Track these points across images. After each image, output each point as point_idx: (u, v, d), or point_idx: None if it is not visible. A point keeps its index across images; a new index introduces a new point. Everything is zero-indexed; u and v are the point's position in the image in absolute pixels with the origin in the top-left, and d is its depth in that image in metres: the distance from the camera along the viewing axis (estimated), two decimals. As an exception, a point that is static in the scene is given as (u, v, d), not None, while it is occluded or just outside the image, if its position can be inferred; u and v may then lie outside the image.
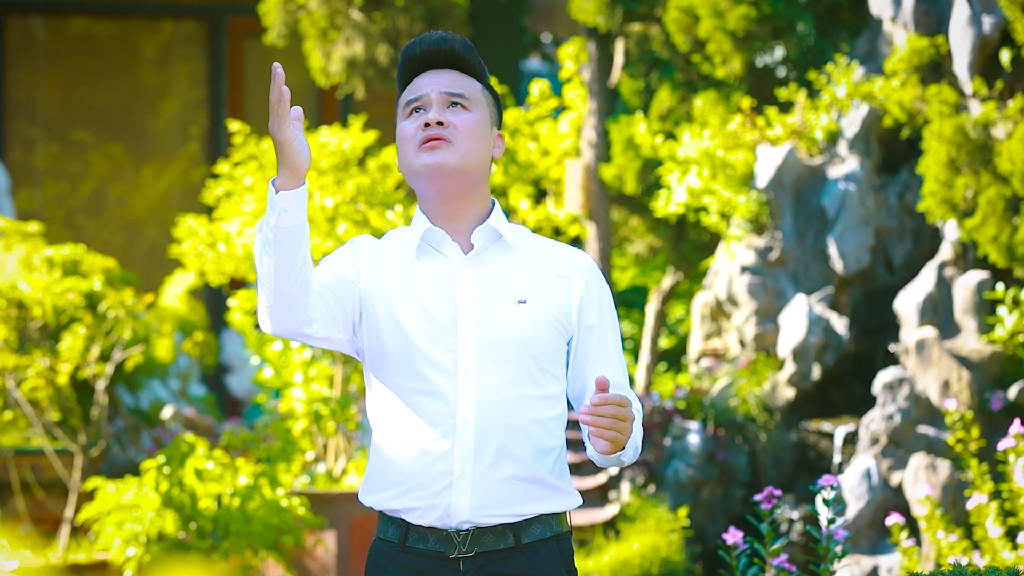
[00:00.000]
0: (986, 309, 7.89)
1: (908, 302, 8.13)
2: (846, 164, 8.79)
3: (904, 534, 6.16)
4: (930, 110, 8.04)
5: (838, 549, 4.65)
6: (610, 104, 10.10)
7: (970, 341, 7.88)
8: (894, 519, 6.14)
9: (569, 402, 3.44)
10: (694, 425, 8.54)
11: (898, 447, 7.87)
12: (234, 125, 8.24)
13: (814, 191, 8.84)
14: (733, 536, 4.65)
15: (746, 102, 9.10)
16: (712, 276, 9.27)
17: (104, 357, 8.28)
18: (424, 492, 3.26)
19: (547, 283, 3.36)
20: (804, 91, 9.01)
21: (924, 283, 8.14)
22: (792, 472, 8.46)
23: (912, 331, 8.02)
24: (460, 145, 3.31)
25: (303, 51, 10.45)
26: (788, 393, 8.56)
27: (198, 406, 10.32)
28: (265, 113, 12.67)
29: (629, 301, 12.73)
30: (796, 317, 8.53)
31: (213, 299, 12.39)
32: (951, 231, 8.10)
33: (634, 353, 11.64)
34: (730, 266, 9.00)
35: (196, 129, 13.28)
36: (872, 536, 7.85)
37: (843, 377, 8.59)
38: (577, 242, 10.44)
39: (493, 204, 3.42)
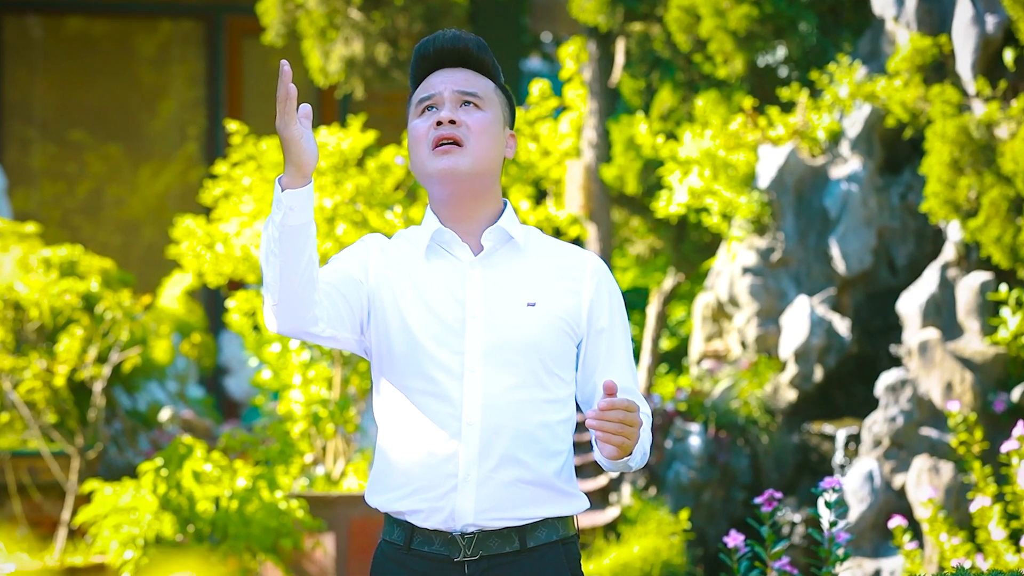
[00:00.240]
0: (989, 310, 7.87)
1: (911, 303, 8.11)
2: (848, 164, 8.77)
3: (907, 537, 6.14)
4: (933, 110, 8.02)
5: (840, 552, 4.64)
6: (611, 104, 10.09)
7: (973, 343, 7.86)
8: (897, 522, 6.12)
9: (579, 405, 3.42)
10: (695, 427, 8.52)
11: (901, 449, 7.84)
12: (232, 125, 8.23)
13: (816, 192, 8.82)
14: (734, 539, 4.64)
15: (748, 102, 9.08)
16: (713, 277, 9.25)
17: (101, 359, 8.27)
18: (429, 495, 3.25)
19: (557, 286, 3.35)
20: (806, 91, 8.99)
21: (927, 284, 8.11)
22: (794, 474, 8.44)
23: (915, 332, 8.00)
24: (472, 146, 3.30)
25: (302, 51, 10.43)
26: (790, 395, 8.54)
27: (196, 408, 10.32)
28: (263, 113, 12.68)
29: (630, 302, 12.71)
30: (798, 318, 8.51)
31: (211, 300, 12.38)
32: (954, 232, 8.08)
33: (635, 355, 11.61)
34: (731, 267, 8.98)
35: (194, 129, 13.27)
36: (874, 539, 7.83)
37: (845, 379, 8.57)
38: (577, 243, 10.41)
39: (505, 205, 3.41)
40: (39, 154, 13.16)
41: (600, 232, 9.98)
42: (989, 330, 7.84)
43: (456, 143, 3.30)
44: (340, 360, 7.84)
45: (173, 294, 10.99)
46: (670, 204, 9.13)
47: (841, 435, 8.15)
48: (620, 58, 9.99)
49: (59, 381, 8.08)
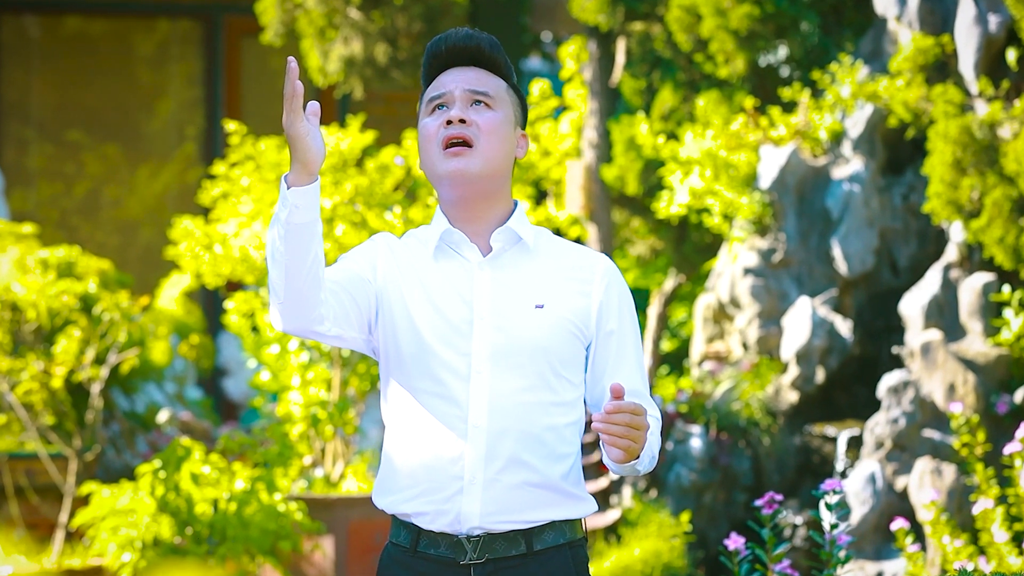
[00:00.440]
0: (992, 311, 7.86)
1: (913, 304, 8.10)
2: (850, 165, 8.76)
3: (909, 539, 6.13)
4: (935, 110, 8.02)
5: (841, 554, 4.64)
6: (611, 104, 10.08)
7: (976, 344, 7.86)
8: (899, 524, 6.11)
9: (588, 408, 3.40)
10: (696, 429, 8.51)
11: (903, 451, 7.83)
12: (231, 125, 8.22)
13: (818, 192, 8.81)
14: (735, 541, 4.63)
15: (749, 102, 9.07)
16: (715, 278, 9.24)
17: (99, 360, 8.27)
18: (434, 497, 3.24)
19: (566, 288, 3.33)
20: (808, 91, 8.98)
21: (929, 285, 8.11)
22: (796, 477, 8.43)
23: (917, 334, 7.99)
24: (482, 146, 3.29)
25: (300, 50, 10.43)
26: (791, 396, 8.52)
27: (194, 410, 10.32)
28: (262, 113, 12.69)
29: (630, 303, 12.69)
30: (800, 320, 8.49)
31: (209, 301, 12.38)
32: (956, 233, 8.07)
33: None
34: (733, 268, 8.96)
35: (192, 129, 13.27)
36: (877, 541, 7.81)
37: (847, 380, 8.55)
38: (578, 243, 10.39)
39: (515, 205, 3.39)
40: (36, 154, 13.16)
41: (600, 233, 9.98)
42: (992, 331, 7.83)
43: (466, 143, 3.29)
44: (339, 362, 7.84)
45: (171, 295, 11.00)
46: (671, 205, 9.12)
47: (843, 437, 8.13)
48: (621, 58, 9.99)
49: (56, 383, 8.08)
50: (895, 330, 8.44)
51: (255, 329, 8.17)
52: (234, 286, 10.36)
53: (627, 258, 11.32)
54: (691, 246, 9.88)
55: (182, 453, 6.72)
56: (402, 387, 3.28)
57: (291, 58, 3.08)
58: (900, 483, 7.80)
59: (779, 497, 4.60)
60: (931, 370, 7.80)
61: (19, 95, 13.10)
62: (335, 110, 12.56)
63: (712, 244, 9.79)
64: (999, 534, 6.26)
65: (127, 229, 13.23)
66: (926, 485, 7.55)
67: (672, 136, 9.56)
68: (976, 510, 6.34)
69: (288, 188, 3.09)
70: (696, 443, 8.47)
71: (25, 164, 13.10)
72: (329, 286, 3.21)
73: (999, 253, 7.68)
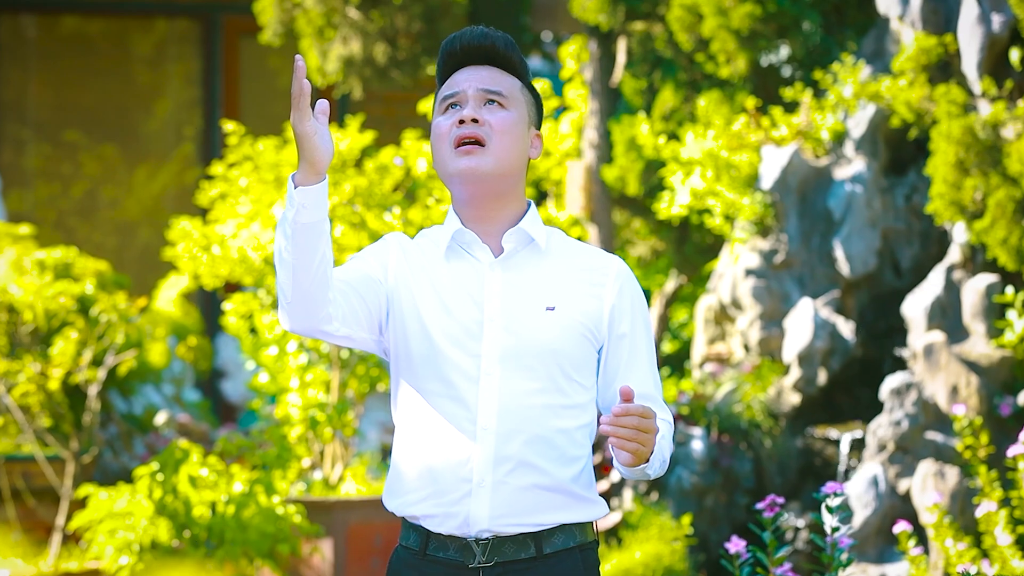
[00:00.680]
0: (995, 313, 7.85)
1: (916, 306, 8.08)
2: (852, 165, 8.74)
3: (912, 542, 6.12)
4: (938, 110, 8.02)
5: (843, 557, 4.63)
6: (612, 104, 10.09)
7: (979, 346, 7.84)
8: (901, 527, 6.10)
9: (600, 411, 3.39)
10: (697, 431, 8.51)
11: (906, 454, 7.82)
12: (229, 125, 8.20)
13: (820, 193, 8.80)
14: (736, 544, 4.63)
15: (750, 102, 9.06)
16: (716, 279, 9.24)
17: (96, 362, 8.28)
18: (443, 499, 3.23)
19: (578, 290, 3.32)
20: (810, 91, 8.97)
21: (932, 287, 8.09)
22: (798, 479, 8.42)
23: (920, 335, 7.98)
24: (495, 146, 3.28)
25: (299, 50, 10.42)
26: (793, 398, 8.51)
27: (192, 412, 10.32)
28: (260, 113, 12.69)
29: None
30: (802, 321, 8.48)
31: (207, 303, 12.38)
32: (959, 233, 8.05)
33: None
34: (734, 269, 8.94)
35: (190, 130, 13.27)
36: (879, 544, 7.80)
37: (849, 382, 8.53)
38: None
39: (528, 206, 3.38)
40: (33, 155, 13.17)
41: (601, 234, 9.98)
42: (995, 333, 7.81)
43: (478, 143, 3.28)
44: (338, 363, 7.83)
45: (169, 296, 11.01)
46: (672, 205, 9.12)
47: (845, 439, 8.12)
48: (621, 57, 10.00)
49: (53, 384, 8.09)
50: (898, 332, 8.43)
51: (253, 331, 8.16)
52: (232, 287, 10.33)
53: (628, 259, 11.29)
54: (692, 247, 9.88)
55: (180, 455, 6.73)
56: (412, 389, 3.28)
57: (298, 56, 3.07)
58: (903, 486, 7.78)
59: (781, 500, 4.59)
60: (934, 372, 7.79)
61: (16, 95, 13.10)
62: (334, 110, 12.55)
63: (713, 245, 9.78)
64: (1002, 537, 6.25)
65: (125, 230, 13.23)
66: (929, 488, 7.53)
67: (673, 136, 9.57)
68: (979, 513, 6.34)
69: (295, 187, 3.09)
70: (697, 445, 8.46)
71: (22, 164, 13.10)
72: (338, 286, 3.21)
73: (1002, 254, 7.66)
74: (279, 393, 7.88)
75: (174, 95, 13.34)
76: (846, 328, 8.49)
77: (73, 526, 7.00)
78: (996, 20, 8.03)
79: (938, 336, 7.83)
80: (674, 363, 11.78)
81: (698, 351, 9.33)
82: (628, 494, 8.50)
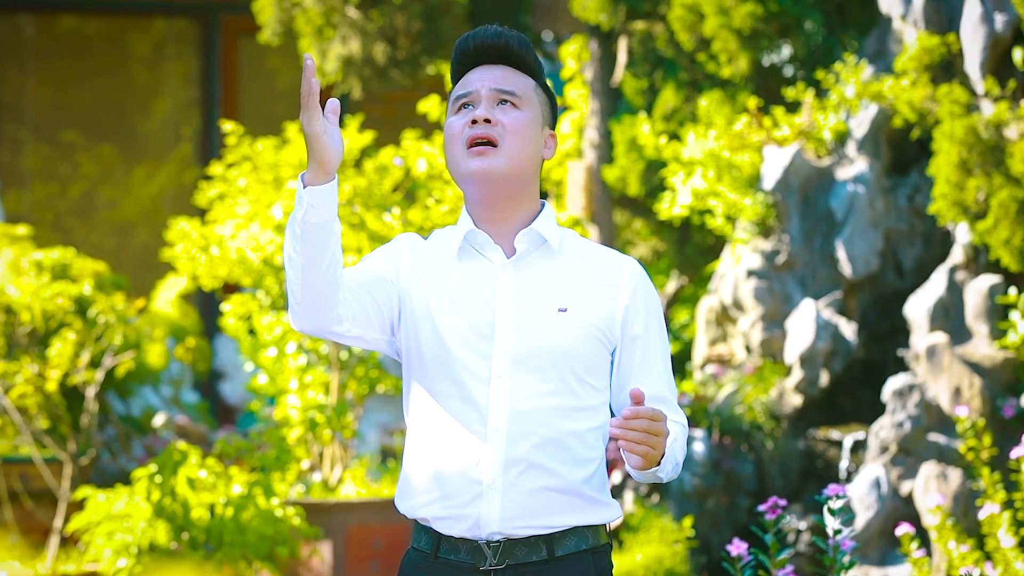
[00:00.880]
0: (998, 314, 7.84)
1: (918, 307, 8.08)
2: (855, 165, 8.74)
3: (914, 545, 6.11)
4: (941, 110, 8.01)
5: (845, 560, 4.63)
6: (613, 104, 10.10)
7: (982, 347, 7.84)
8: (904, 529, 6.09)
9: (614, 413, 3.37)
10: (699, 433, 8.51)
11: (908, 455, 7.81)
12: (227, 125, 8.19)
13: (822, 193, 8.79)
14: (737, 547, 4.63)
15: (752, 102, 9.05)
16: (717, 280, 9.23)
17: (94, 363, 8.27)
18: (453, 501, 3.23)
19: (591, 291, 3.31)
20: (812, 91, 8.97)
21: (935, 287, 8.08)
22: (799, 481, 8.42)
23: (922, 337, 7.97)
24: (507, 147, 3.28)
25: (298, 50, 10.42)
26: (795, 400, 8.50)
27: (190, 413, 10.32)
28: (259, 113, 12.70)
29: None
30: (803, 322, 8.47)
31: (206, 304, 12.38)
32: (962, 234, 8.05)
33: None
34: (736, 270, 8.94)
35: (188, 130, 13.27)
36: (881, 547, 7.80)
37: (852, 384, 8.52)
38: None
39: (542, 206, 3.37)
40: (31, 155, 13.17)
41: (602, 234, 9.98)
42: (998, 334, 7.80)
43: (491, 143, 3.27)
44: (337, 365, 7.82)
45: (167, 297, 11.02)
46: (673, 206, 9.12)
47: (847, 441, 8.12)
48: (622, 57, 10.01)
49: (51, 386, 8.08)
50: (900, 333, 8.42)
51: (252, 332, 8.16)
52: (231, 288, 10.31)
53: (628, 260, 11.34)
54: (693, 248, 9.89)
55: (178, 457, 6.73)
56: (423, 390, 3.27)
57: (307, 55, 3.06)
58: (905, 488, 7.78)
59: (782, 502, 4.59)
60: (936, 373, 7.78)
61: (13, 95, 13.11)
62: (333, 110, 12.54)
63: (715, 246, 9.79)
64: (1005, 539, 6.26)
65: (123, 231, 13.23)
66: (931, 490, 7.53)
67: (674, 136, 9.58)
68: (982, 515, 6.35)
69: (304, 187, 3.09)
70: (699, 447, 8.47)
71: (19, 165, 13.11)
72: (349, 286, 3.21)
73: (1005, 255, 7.65)
74: (278, 395, 7.88)
75: (172, 95, 13.35)
76: (848, 329, 8.49)
77: (71, 528, 6.99)
78: (999, 19, 8.02)
79: (941, 337, 7.82)
80: (675, 364, 11.77)
81: (699, 352, 9.34)
82: (629, 496, 8.50)
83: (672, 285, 10.27)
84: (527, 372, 3.22)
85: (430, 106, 9.71)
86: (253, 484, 6.80)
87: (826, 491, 4.48)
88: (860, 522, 7.71)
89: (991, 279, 7.85)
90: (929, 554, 7.19)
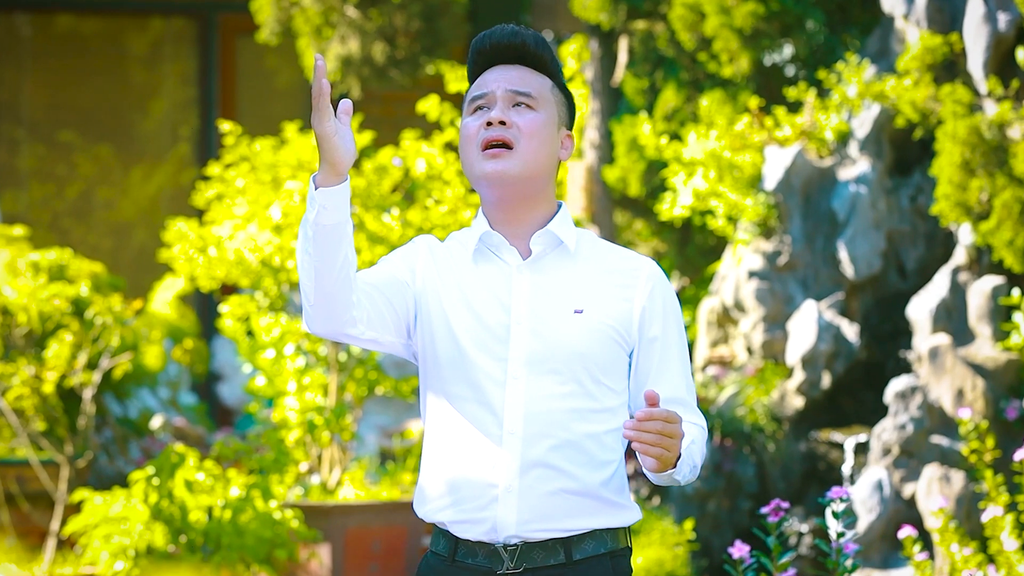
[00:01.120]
0: (1001, 315, 7.83)
1: (921, 308, 8.07)
2: (857, 166, 8.74)
3: (917, 547, 6.13)
4: (943, 110, 8.00)
5: (848, 563, 4.63)
6: (613, 104, 10.12)
7: (985, 348, 7.83)
8: (906, 532, 6.10)
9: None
10: (700, 434, 8.48)
11: (911, 458, 7.81)
12: (225, 126, 8.17)
13: (824, 194, 8.79)
14: (739, 550, 4.62)
15: (754, 102, 9.06)
16: (719, 281, 9.24)
17: (91, 365, 8.27)
18: (470, 505, 3.21)
19: (607, 292, 3.29)
20: (813, 90, 8.98)
21: (937, 289, 8.07)
22: (801, 483, 8.42)
23: (925, 338, 7.96)
24: (522, 149, 3.26)
25: (297, 49, 10.43)
26: (797, 402, 8.51)
27: (188, 415, 10.31)
28: (257, 113, 12.69)
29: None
30: (805, 324, 8.47)
31: (204, 305, 12.38)
32: (965, 235, 8.04)
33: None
34: (737, 271, 8.95)
35: (186, 130, 13.28)
36: (884, 549, 7.80)
37: (854, 385, 8.52)
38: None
39: (559, 207, 3.36)
40: (27, 155, 13.18)
41: (602, 235, 9.98)
42: (1001, 336, 7.80)
43: (506, 145, 3.26)
44: (336, 367, 7.81)
45: (165, 299, 11.02)
46: (674, 206, 9.13)
47: (849, 443, 8.11)
48: (623, 57, 10.03)
49: (48, 388, 8.07)
50: (902, 334, 8.42)
51: (250, 333, 8.15)
52: (229, 289, 10.29)
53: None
54: (694, 249, 9.90)
55: (176, 460, 6.72)
56: (439, 393, 3.26)
57: (319, 56, 3.06)
58: (908, 490, 7.78)
59: (785, 504, 4.58)
60: (939, 375, 7.77)
61: (10, 95, 13.12)
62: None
63: (716, 247, 9.81)
64: (1008, 542, 6.26)
65: (120, 231, 13.23)
66: (934, 492, 7.53)
67: (675, 136, 9.59)
68: (985, 517, 6.36)
69: (316, 188, 3.08)
70: (700, 449, 8.45)
71: (16, 165, 13.11)
72: (364, 288, 3.20)
73: (1008, 256, 7.65)
74: (276, 396, 7.86)
75: (170, 95, 13.36)
76: (850, 331, 8.49)
77: (68, 531, 6.98)
78: (1002, 19, 8.02)
79: (943, 339, 7.81)
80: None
81: (701, 354, 9.34)
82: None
83: (673, 286, 10.28)
84: (543, 374, 3.20)
85: (429, 106, 9.69)
86: (251, 486, 6.79)
87: (828, 493, 4.48)
88: (862, 525, 7.72)
89: (994, 280, 7.85)
90: (932, 557, 7.18)
